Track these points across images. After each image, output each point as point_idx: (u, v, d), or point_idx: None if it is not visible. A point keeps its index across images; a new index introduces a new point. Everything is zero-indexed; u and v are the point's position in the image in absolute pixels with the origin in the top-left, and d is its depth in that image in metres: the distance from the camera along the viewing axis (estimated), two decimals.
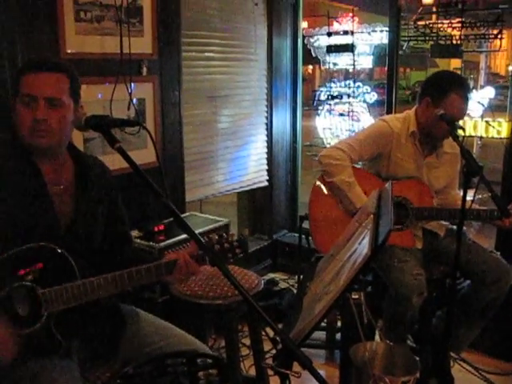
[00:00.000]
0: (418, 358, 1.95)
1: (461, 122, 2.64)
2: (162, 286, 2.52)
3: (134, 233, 2.74)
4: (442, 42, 3.33)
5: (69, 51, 2.59)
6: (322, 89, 4.18)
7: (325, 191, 2.70)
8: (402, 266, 2.43)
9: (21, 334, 1.49)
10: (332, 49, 3.95)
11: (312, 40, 4.15)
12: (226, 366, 1.69)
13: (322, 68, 4.29)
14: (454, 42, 3.28)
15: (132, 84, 2.85)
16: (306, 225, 3.03)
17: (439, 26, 3.33)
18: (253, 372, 2.64)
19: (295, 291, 3.65)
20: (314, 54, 4.20)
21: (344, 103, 4.04)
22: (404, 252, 2.52)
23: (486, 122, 3.27)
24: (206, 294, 2.23)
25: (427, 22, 3.42)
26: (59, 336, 1.55)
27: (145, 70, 2.95)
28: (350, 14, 4.04)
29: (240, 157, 3.88)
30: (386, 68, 3.67)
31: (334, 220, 2.64)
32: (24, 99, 1.58)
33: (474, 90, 3.47)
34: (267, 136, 4.12)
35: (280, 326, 1.37)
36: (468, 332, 2.60)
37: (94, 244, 1.75)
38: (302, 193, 4.37)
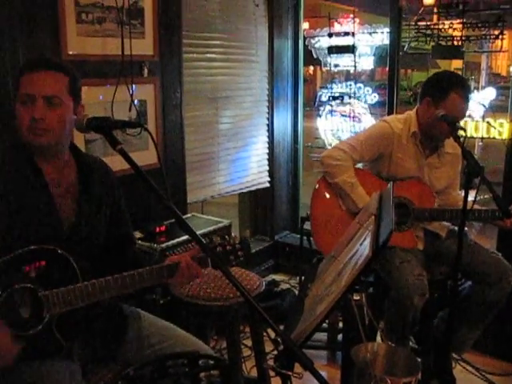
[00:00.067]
0: (419, 359, 1.95)
1: (462, 123, 2.65)
2: (163, 288, 2.52)
3: (136, 234, 2.74)
4: (443, 43, 3.33)
5: (70, 53, 2.59)
6: (323, 90, 4.18)
7: (326, 192, 2.70)
8: (403, 266, 2.43)
9: (22, 336, 1.49)
10: (333, 50, 3.95)
11: (313, 41, 4.15)
12: (227, 367, 1.68)
13: (323, 69, 4.30)
14: (455, 42, 3.28)
15: (133, 85, 2.85)
16: (307, 226, 3.04)
17: (440, 26, 3.33)
18: (254, 373, 2.64)
19: (297, 292, 3.65)
20: (315, 55, 4.20)
21: (345, 104, 4.04)
22: (405, 253, 2.52)
23: (488, 122, 3.27)
24: (208, 295, 2.23)
25: (428, 23, 3.42)
26: (61, 338, 1.55)
27: (146, 71, 2.96)
28: (351, 15, 4.04)
29: (241, 158, 3.88)
30: (387, 69, 3.67)
31: (336, 221, 2.64)
32: (22, 98, 1.58)
33: (475, 91, 3.47)
34: (268, 137, 4.12)
35: (281, 327, 1.37)
36: (470, 333, 2.60)
37: (97, 246, 1.75)
38: (304, 194, 4.37)
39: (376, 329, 2.49)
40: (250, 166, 3.98)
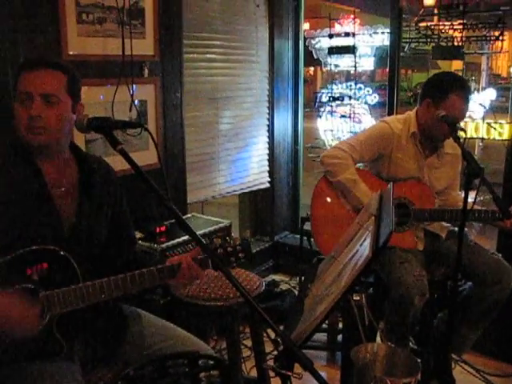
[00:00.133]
0: (419, 360, 1.95)
1: (462, 124, 2.65)
2: (163, 288, 2.52)
3: (136, 234, 2.73)
4: (443, 44, 3.33)
5: (71, 53, 2.59)
6: (323, 90, 4.18)
7: (327, 192, 2.71)
8: (403, 267, 2.43)
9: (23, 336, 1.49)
10: (333, 50, 3.95)
11: (313, 42, 4.16)
12: (227, 367, 1.68)
13: (324, 70, 4.30)
14: (456, 43, 3.28)
15: (134, 86, 2.85)
16: (307, 226, 3.04)
17: (441, 27, 3.34)
18: (254, 373, 2.64)
19: (296, 293, 3.65)
20: (315, 56, 4.20)
21: (345, 105, 4.05)
22: (405, 253, 2.52)
23: (488, 123, 3.27)
24: (208, 295, 2.23)
25: (429, 24, 3.42)
26: (61, 338, 1.55)
27: (146, 71, 2.96)
28: (352, 16, 4.04)
29: (241, 158, 3.88)
30: (388, 70, 3.67)
31: (336, 221, 2.64)
32: (20, 97, 1.58)
33: (475, 92, 3.47)
34: (269, 137, 4.12)
35: (281, 327, 1.37)
36: (469, 334, 2.60)
37: (98, 246, 1.74)
38: (304, 194, 4.37)
39: (376, 329, 2.49)
40: (250, 166, 3.98)
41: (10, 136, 1.66)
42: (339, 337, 3.05)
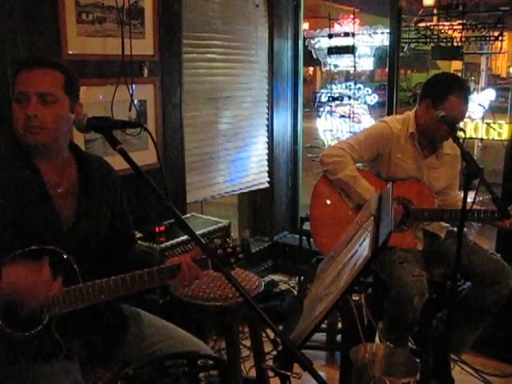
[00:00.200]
0: (418, 360, 1.95)
1: (461, 124, 2.65)
2: (162, 288, 2.52)
3: (135, 234, 2.74)
4: (442, 44, 3.34)
5: (70, 52, 2.60)
6: (322, 90, 4.19)
7: (326, 192, 2.71)
8: (403, 266, 2.43)
9: (22, 337, 1.49)
10: (333, 50, 3.96)
11: (313, 42, 4.16)
12: (226, 367, 1.68)
13: (323, 70, 4.30)
14: (455, 43, 3.28)
15: (133, 85, 2.85)
16: (306, 226, 3.04)
17: (440, 27, 3.34)
18: (253, 373, 2.64)
19: (296, 293, 3.65)
20: (314, 56, 4.21)
21: (345, 105, 4.05)
22: (405, 253, 2.52)
23: (487, 123, 3.28)
24: (207, 295, 2.23)
25: (428, 24, 3.42)
26: (60, 339, 1.55)
27: (146, 71, 2.96)
28: (351, 16, 4.05)
29: (241, 158, 3.88)
30: (387, 70, 3.68)
31: (336, 221, 2.65)
32: (18, 97, 1.58)
33: (474, 92, 3.48)
34: (268, 137, 4.12)
35: (280, 327, 1.37)
36: (468, 334, 2.60)
37: (98, 246, 1.74)
38: (303, 194, 4.37)
39: (375, 329, 2.49)
40: (249, 166, 3.98)
41: (9, 136, 1.66)
42: (338, 337, 3.05)
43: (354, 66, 3.95)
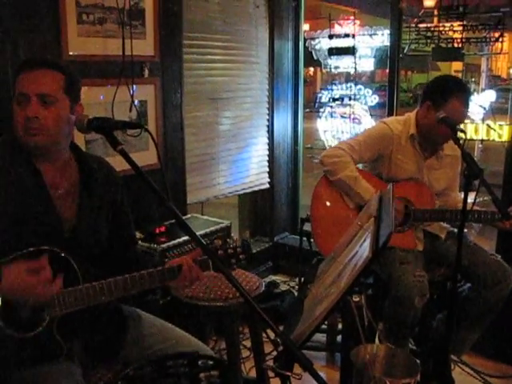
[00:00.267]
0: (418, 361, 1.95)
1: (462, 125, 2.65)
2: (163, 288, 2.52)
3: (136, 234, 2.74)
4: (443, 45, 3.34)
5: (71, 53, 2.60)
6: (323, 91, 4.19)
7: (326, 193, 2.71)
8: (403, 267, 2.43)
9: (22, 338, 1.49)
10: (333, 51, 3.96)
11: (313, 42, 4.16)
12: (226, 367, 1.69)
13: (324, 70, 4.30)
14: (456, 44, 3.29)
15: (134, 86, 2.86)
16: (307, 227, 3.04)
17: (440, 28, 3.34)
18: (253, 374, 2.64)
19: (296, 293, 3.65)
20: (315, 57, 4.21)
21: (345, 106, 4.05)
22: (405, 254, 2.52)
23: (487, 125, 3.28)
24: (207, 295, 2.23)
25: (428, 25, 3.42)
26: (61, 339, 1.55)
27: (147, 72, 2.96)
28: (352, 17, 4.04)
29: (241, 159, 3.88)
30: (388, 70, 3.68)
31: (336, 222, 2.64)
32: (18, 99, 1.58)
33: (475, 93, 3.48)
34: (268, 138, 4.12)
35: (281, 327, 1.37)
36: (469, 335, 2.60)
37: (98, 247, 1.74)
38: (303, 195, 4.37)
39: (375, 330, 2.49)
40: (249, 167, 3.98)
41: (10, 137, 1.66)
42: (339, 337, 3.05)
43: (355, 67, 3.95)
